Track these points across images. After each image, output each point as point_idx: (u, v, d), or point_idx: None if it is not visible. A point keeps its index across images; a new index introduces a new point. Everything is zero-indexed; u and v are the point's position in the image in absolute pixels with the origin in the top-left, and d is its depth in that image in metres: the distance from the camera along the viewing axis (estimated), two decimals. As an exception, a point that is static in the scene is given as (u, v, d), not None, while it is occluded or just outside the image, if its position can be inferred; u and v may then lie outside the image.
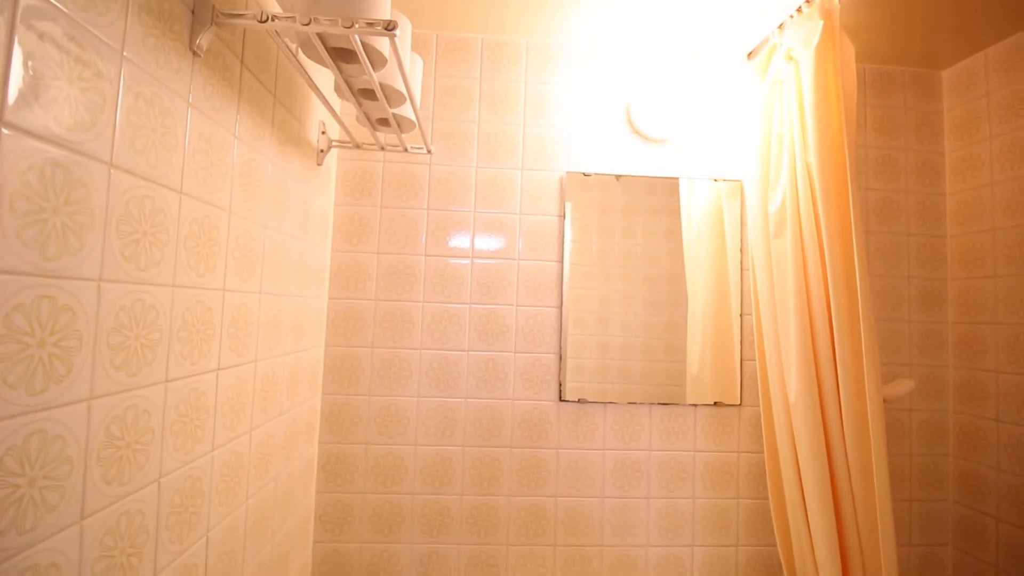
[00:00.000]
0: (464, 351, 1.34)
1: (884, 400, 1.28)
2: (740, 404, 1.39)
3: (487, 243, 1.37)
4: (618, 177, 1.42)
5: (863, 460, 1.04)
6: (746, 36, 1.42)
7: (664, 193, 1.42)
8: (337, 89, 0.97)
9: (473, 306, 1.35)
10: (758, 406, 1.37)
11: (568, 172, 1.39)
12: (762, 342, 1.28)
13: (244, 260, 0.86)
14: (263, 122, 0.91)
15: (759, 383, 1.30)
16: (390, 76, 0.90)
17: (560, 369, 1.35)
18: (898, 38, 1.40)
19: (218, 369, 0.79)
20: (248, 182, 0.87)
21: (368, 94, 0.97)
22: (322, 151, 1.21)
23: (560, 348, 1.36)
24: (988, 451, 1.36)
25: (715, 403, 1.39)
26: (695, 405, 1.38)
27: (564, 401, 1.35)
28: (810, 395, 1.12)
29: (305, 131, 1.12)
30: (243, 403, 0.87)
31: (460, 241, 1.36)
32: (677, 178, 1.42)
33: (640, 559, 1.35)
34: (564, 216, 1.38)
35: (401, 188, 1.36)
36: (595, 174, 1.40)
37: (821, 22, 1.11)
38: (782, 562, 1.23)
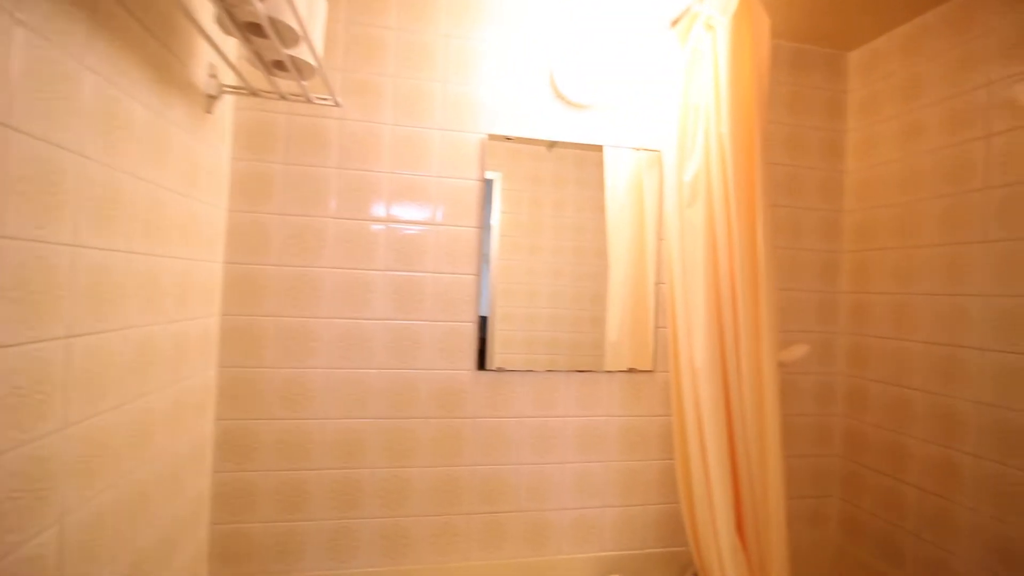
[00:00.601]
0: (377, 319, 1.27)
1: (781, 364, 1.35)
2: (653, 370, 1.43)
3: (402, 206, 1.30)
4: (550, 147, 1.39)
5: (759, 421, 1.10)
6: (671, 2, 1.41)
7: (593, 165, 1.41)
8: (219, 21, 0.85)
9: (387, 273, 1.28)
10: (669, 371, 1.41)
11: (490, 135, 1.34)
12: (674, 310, 1.31)
13: (105, 213, 0.75)
14: (128, 55, 0.79)
15: (670, 349, 1.34)
16: (279, 8, 0.80)
17: (480, 338, 1.33)
18: (812, 16, 1.44)
19: (68, 336, 0.69)
20: (110, 124, 0.76)
21: (256, 29, 0.86)
22: (211, 96, 1.09)
23: (478, 316, 1.33)
24: (870, 410, 1.48)
25: (629, 369, 1.42)
26: (610, 372, 1.40)
27: (482, 370, 1.32)
28: (714, 360, 1.16)
29: (189, 72, 1.00)
30: (108, 375, 0.78)
31: (373, 203, 1.28)
32: (602, 147, 1.41)
33: (555, 522, 1.37)
34: (484, 180, 1.34)
35: (308, 144, 1.25)
36: (518, 138, 1.36)
37: (738, -10, 1.11)
38: (684, 517, 1.28)
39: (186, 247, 1.01)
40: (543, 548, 1.36)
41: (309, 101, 1.07)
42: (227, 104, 1.19)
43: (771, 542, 1.06)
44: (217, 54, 0.90)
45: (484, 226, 1.33)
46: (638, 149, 1.43)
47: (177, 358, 1.00)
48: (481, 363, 1.32)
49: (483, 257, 1.33)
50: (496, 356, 1.33)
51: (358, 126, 1.28)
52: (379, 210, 1.28)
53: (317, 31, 0.96)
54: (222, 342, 1.21)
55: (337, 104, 1.07)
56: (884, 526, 1.41)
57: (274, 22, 0.83)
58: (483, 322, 1.33)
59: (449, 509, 1.31)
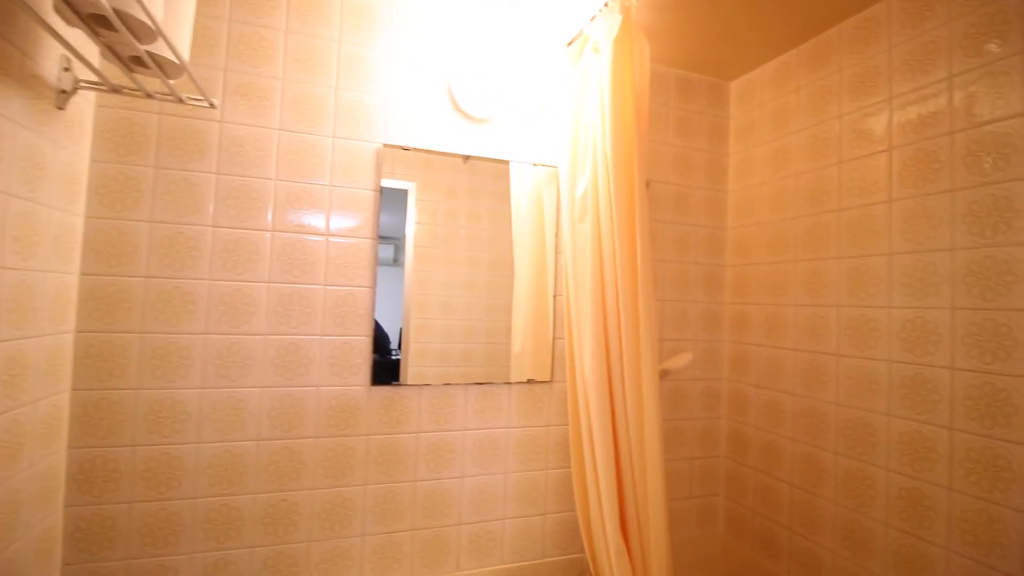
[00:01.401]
0: (260, 335, 1.20)
1: (668, 372, 1.42)
2: (551, 380, 1.45)
3: (291, 215, 1.24)
4: (465, 159, 1.39)
5: (639, 427, 1.15)
6: (568, 24, 1.46)
7: (507, 178, 1.43)
8: (57, 10, 0.77)
9: (273, 285, 1.22)
10: (566, 382, 1.44)
11: (385, 144, 1.32)
12: (570, 321, 1.34)
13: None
14: (-61, 39, 0.70)
15: (567, 360, 1.37)
16: (125, 0, 0.74)
17: (378, 350, 1.29)
18: (698, 47, 1.55)
19: None
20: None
21: (105, 21, 0.79)
22: (64, 92, 0.98)
23: (372, 330, 1.29)
24: (750, 413, 1.60)
25: (528, 380, 1.43)
26: (509, 383, 1.41)
27: (377, 385, 1.29)
28: (600, 369, 1.20)
29: (35, 64, 0.89)
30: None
31: (258, 211, 1.21)
32: (509, 161, 1.43)
33: (452, 538, 1.35)
34: (379, 190, 1.31)
35: (183, 146, 1.17)
36: (415, 149, 1.35)
37: (620, 17, 1.17)
38: (580, 522, 1.31)
39: (24, 255, 0.90)
40: (441, 566, 1.34)
41: (180, 101, 1.00)
42: (87, 101, 1.09)
43: (651, 543, 1.10)
44: (62, 45, 0.81)
45: (377, 237, 1.30)
46: (537, 165, 1.46)
47: (11, 382, 0.88)
48: (386, 377, 1.29)
49: (378, 269, 1.30)
50: (410, 370, 1.31)
51: (242, 130, 1.21)
52: (264, 218, 1.22)
53: (181, 27, 0.90)
54: (76, 362, 1.08)
55: (212, 105, 1.01)
56: (763, 521, 1.52)
57: (121, 15, 0.76)
58: (381, 335, 1.30)
59: (341, 532, 1.25)
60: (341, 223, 1.27)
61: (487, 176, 1.43)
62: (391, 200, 1.33)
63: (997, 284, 1.01)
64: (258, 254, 1.21)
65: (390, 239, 1.32)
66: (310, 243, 1.25)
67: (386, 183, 1.32)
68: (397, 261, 1.33)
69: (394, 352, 1.32)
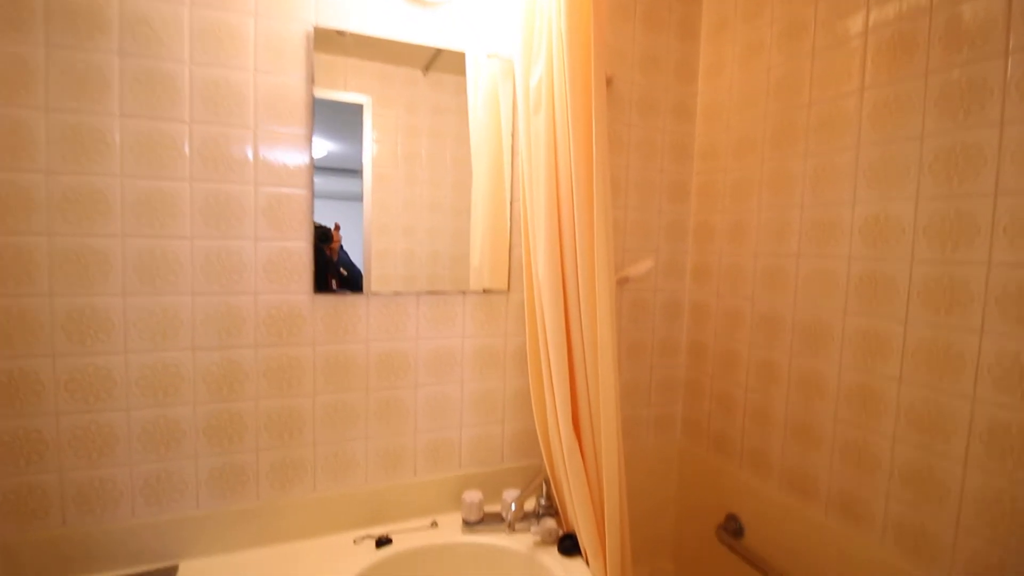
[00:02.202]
0: (187, 238, 1.11)
1: (628, 279, 1.39)
2: (508, 290, 1.40)
3: (208, 106, 1.11)
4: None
5: (592, 329, 1.11)
6: None
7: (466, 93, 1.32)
8: None
9: (197, 184, 1.11)
10: (523, 290, 1.39)
11: (318, 27, 1.17)
12: (527, 226, 1.27)
13: None
14: None
15: (524, 268, 1.31)
16: None
17: (319, 260, 1.21)
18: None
19: None
20: None
21: None
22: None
23: (311, 234, 1.20)
24: (710, 322, 1.59)
25: (484, 290, 1.38)
26: (464, 293, 1.36)
27: (320, 293, 1.22)
28: (553, 273, 1.15)
29: None
30: None
31: (172, 100, 1.08)
32: (464, 53, 1.30)
33: (408, 446, 1.34)
34: (312, 80, 1.18)
35: (78, 24, 1.01)
36: (351, 33, 1.21)
37: None
38: (537, 431, 1.31)
39: None
40: (398, 472, 1.33)
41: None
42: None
43: (603, 440, 1.10)
44: None
45: (314, 130, 1.19)
46: (492, 56, 1.34)
47: None
48: (324, 287, 1.21)
49: (315, 171, 1.19)
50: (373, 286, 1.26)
51: (145, 4, 1.05)
52: (180, 108, 1.09)
53: None
54: (-25, 267, 0.98)
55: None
56: (719, 425, 1.55)
57: None
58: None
59: (291, 442, 1.22)
60: (269, 114, 1.15)
61: (449, 91, 1.31)
62: (347, 122, 1.22)
63: (964, 169, 0.96)
64: (175, 148, 1.09)
65: (353, 172, 1.23)
66: (236, 136, 1.13)
67: (339, 96, 1.20)
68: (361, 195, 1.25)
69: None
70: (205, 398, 1.14)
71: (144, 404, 1.10)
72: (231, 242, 1.14)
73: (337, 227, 1.23)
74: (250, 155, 1.14)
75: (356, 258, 1.25)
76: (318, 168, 1.20)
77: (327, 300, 1.23)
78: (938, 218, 1.01)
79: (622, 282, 1.46)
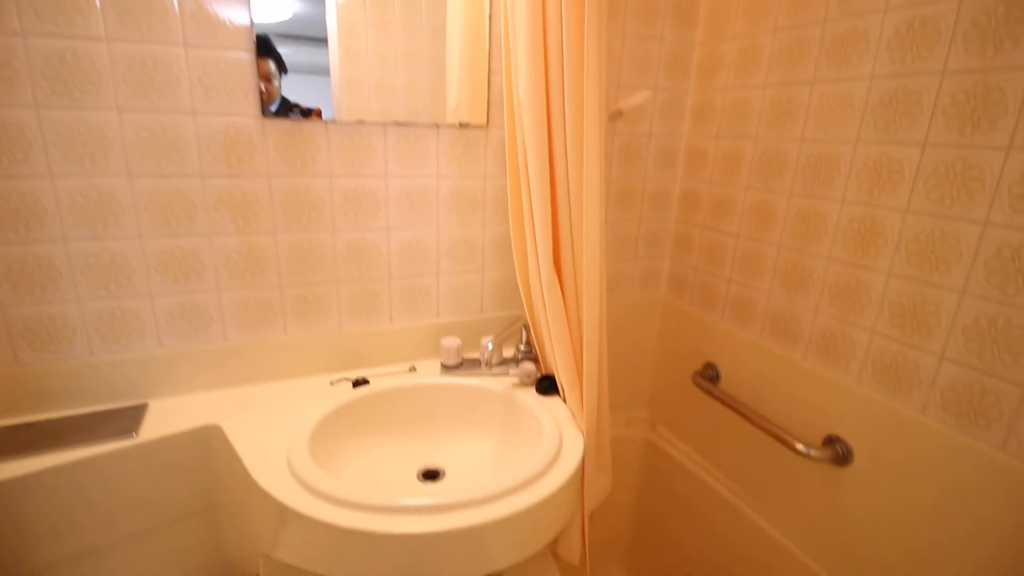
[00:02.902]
0: (101, 40, 0.93)
1: (622, 112, 1.24)
2: (487, 125, 1.26)
3: None
4: None
5: (579, 170, 1.00)
6: None
7: None
8: None
9: (103, -30, 0.91)
10: (504, 126, 1.25)
11: None
12: (508, 44, 1.10)
13: None
14: None
15: (504, 98, 1.16)
16: None
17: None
18: None
19: None
20: None
21: None
22: None
23: (253, 43, 1.02)
24: (705, 168, 1.47)
25: (460, 124, 1.24)
26: (437, 126, 1.21)
27: (269, 116, 1.07)
28: (537, 99, 1.00)
29: None
30: None
31: None
32: None
33: (383, 292, 1.28)
34: None
35: None
36: None
37: None
38: (518, 280, 1.24)
39: None
40: (372, 318, 1.29)
41: None
42: None
43: (584, 275, 1.04)
44: None
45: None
46: None
47: None
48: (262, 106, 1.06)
49: (251, -42, 0.98)
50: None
51: None
52: None
53: None
54: None
55: None
56: (705, 277, 1.50)
57: None
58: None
59: (254, 283, 1.15)
60: None
61: None
62: None
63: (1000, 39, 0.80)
64: (68, -83, 0.87)
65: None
66: (145, -92, 0.91)
67: None
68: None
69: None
70: (151, 231, 1.04)
71: (82, 236, 1.00)
72: (155, 47, 0.96)
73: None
74: (165, -68, 0.93)
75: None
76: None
77: (279, 126, 1.08)
78: (978, 22, 0.86)
79: (614, 117, 1.32)
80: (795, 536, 1.25)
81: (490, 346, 1.16)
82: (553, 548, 1.20)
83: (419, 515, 0.82)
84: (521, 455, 1.08)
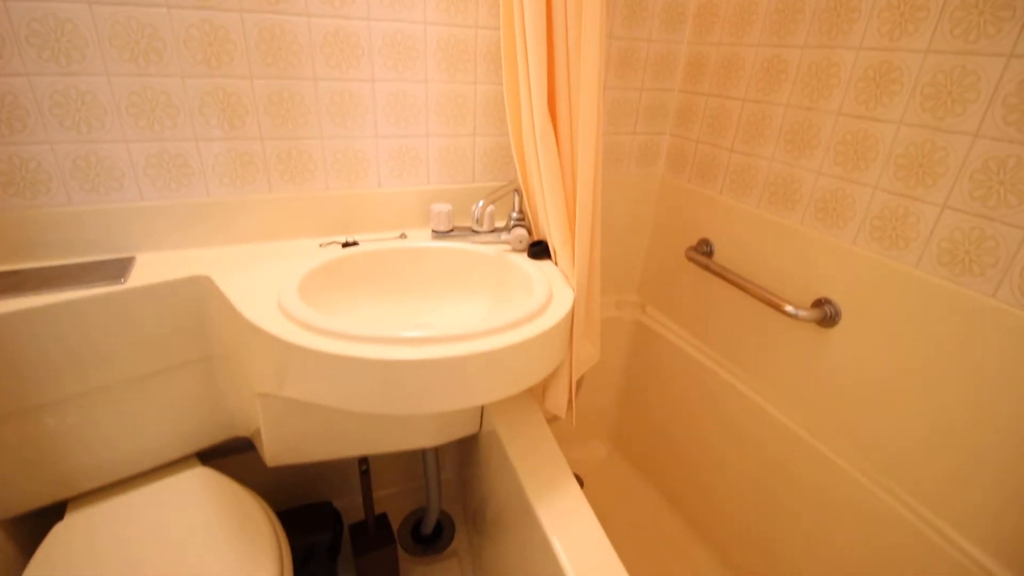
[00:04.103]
0: None
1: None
2: (479, -37, 1.15)
3: None
4: None
5: (578, 23, 0.91)
6: None
7: None
8: None
9: None
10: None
11: None
12: None
13: None
14: None
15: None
16: None
17: None
18: None
19: None
20: None
21: None
22: None
23: None
24: (715, 29, 1.37)
25: (449, -40, 1.13)
26: (424, -39, 1.11)
27: (237, -62, 0.96)
28: None
29: None
30: None
31: None
32: None
33: (370, 151, 1.23)
34: None
35: None
36: None
37: None
38: (512, 144, 1.18)
39: None
40: (360, 181, 1.24)
41: None
42: None
43: (580, 123, 0.99)
44: None
45: None
46: None
47: None
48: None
49: None
50: None
51: None
52: None
53: None
54: None
55: None
56: (706, 149, 1.44)
57: None
58: None
59: (233, 133, 1.09)
60: None
61: None
62: None
63: None
64: None
65: None
66: None
67: None
68: None
69: None
70: (119, 68, 0.97)
71: (45, 71, 0.93)
72: None
73: None
74: None
75: None
76: None
77: (248, -50, 0.98)
78: None
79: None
80: (777, 401, 1.29)
81: (481, 203, 1.13)
82: (541, 403, 1.24)
83: (409, 345, 0.83)
84: (511, 309, 1.08)
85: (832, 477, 1.13)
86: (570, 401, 1.21)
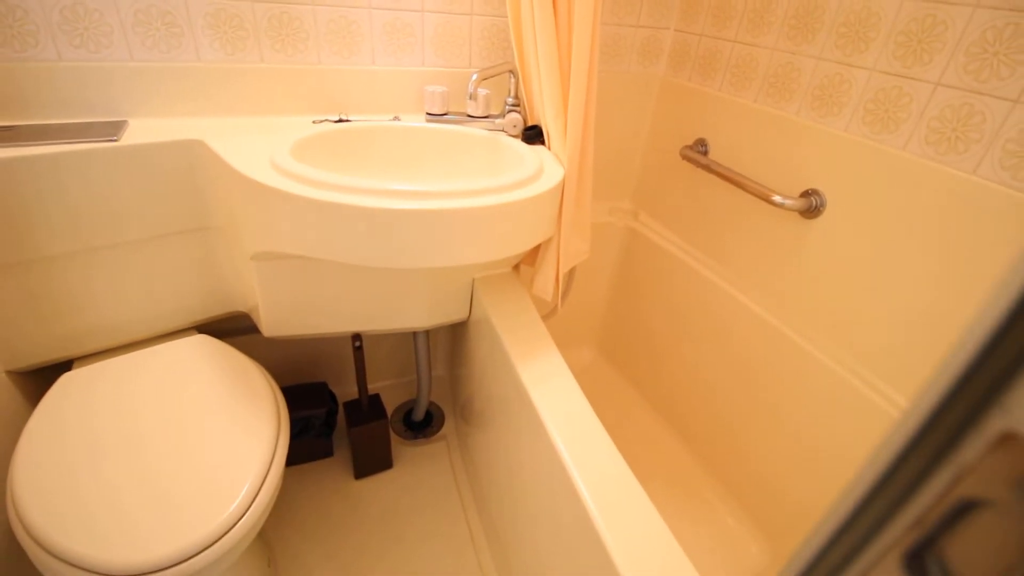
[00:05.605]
0: None
1: None
2: None
3: None
4: None
5: None
6: None
7: None
8: None
9: None
10: None
11: None
12: None
13: None
14: None
15: None
16: None
17: None
18: None
19: None
20: None
21: None
22: None
23: None
24: (728, -92, 1.30)
25: None
26: None
27: None
28: None
29: None
30: None
31: None
32: None
33: (364, 23, 1.20)
34: None
35: None
36: None
37: None
38: (509, 23, 1.15)
39: None
40: (353, 56, 1.22)
41: None
42: None
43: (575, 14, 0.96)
44: None
45: None
46: None
47: None
48: None
49: None
50: None
51: None
52: None
53: None
54: None
55: None
56: (708, 43, 1.41)
57: None
58: None
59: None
60: None
61: None
62: None
63: None
64: None
65: None
66: None
67: None
68: None
69: None
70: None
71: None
72: None
73: None
74: None
75: None
76: None
77: None
78: None
79: None
80: (760, 298, 1.33)
81: (475, 76, 1.11)
82: (529, 287, 1.28)
83: (398, 198, 0.85)
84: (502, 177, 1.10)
85: (807, 366, 1.19)
86: (557, 287, 1.24)
